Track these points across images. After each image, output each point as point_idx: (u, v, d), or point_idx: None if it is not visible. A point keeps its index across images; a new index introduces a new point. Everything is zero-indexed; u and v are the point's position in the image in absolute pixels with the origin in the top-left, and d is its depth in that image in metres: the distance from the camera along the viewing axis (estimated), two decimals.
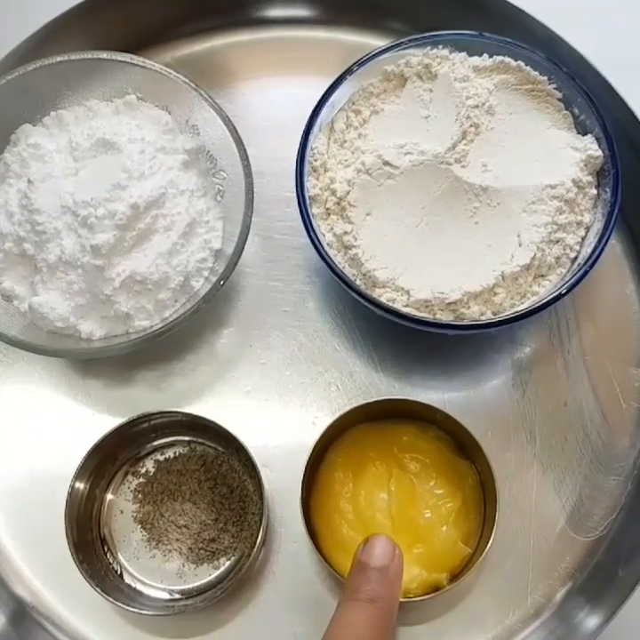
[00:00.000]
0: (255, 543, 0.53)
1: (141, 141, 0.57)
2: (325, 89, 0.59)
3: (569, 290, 0.52)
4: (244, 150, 0.56)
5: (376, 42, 0.68)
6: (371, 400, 0.56)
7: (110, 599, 0.51)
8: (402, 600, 0.52)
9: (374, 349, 0.62)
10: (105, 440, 0.55)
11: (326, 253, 0.54)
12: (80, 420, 0.61)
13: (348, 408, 0.55)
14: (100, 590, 0.51)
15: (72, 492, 0.54)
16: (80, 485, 0.55)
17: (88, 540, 0.55)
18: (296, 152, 0.58)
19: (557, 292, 0.52)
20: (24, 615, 0.57)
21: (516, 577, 0.57)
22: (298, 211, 0.57)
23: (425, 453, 0.56)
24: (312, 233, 0.54)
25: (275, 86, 0.70)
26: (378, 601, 0.36)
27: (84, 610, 0.56)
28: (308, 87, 0.69)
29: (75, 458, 0.55)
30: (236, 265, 0.55)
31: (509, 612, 0.56)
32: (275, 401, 0.61)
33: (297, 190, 0.55)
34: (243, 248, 0.55)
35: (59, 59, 0.56)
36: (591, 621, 0.54)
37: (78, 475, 0.54)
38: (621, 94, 0.60)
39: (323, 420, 0.60)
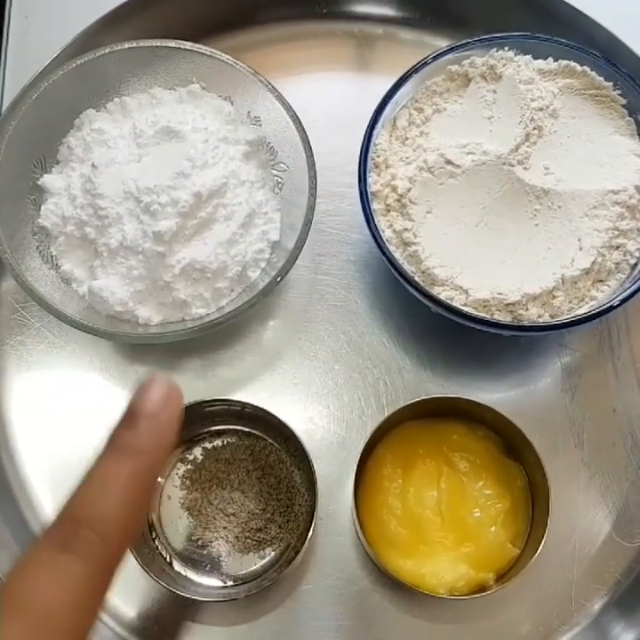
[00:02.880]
0: (304, 535, 0.53)
1: (205, 131, 0.57)
2: (381, 87, 0.58)
3: (630, 297, 0.52)
4: (308, 143, 0.56)
5: (436, 42, 0.68)
6: (425, 397, 0.56)
7: (163, 584, 0.51)
8: (449, 597, 0.52)
9: (423, 347, 0.62)
10: None
11: (387, 249, 0.54)
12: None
13: (400, 404, 0.55)
14: (153, 575, 0.51)
15: None
16: None
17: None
18: (350, 147, 0.58)
19: (618, 299, 0.52)
20: None
21: (559, 581, 0.57)
22: (351, 206, 0.58)
23: (474, 453, 0.56)
24: (373, 229, 0.55)
25: (330, 81, 0.70)
26: (141, 452, 0.30)
27: (129, 594, 0.57)
28: (360, 84, 0.70)
29: None
30: (296, 259, 0.55)
31: (552, 616, 0.56)
32: (322, 394, 0.61)
33: (360, 186, 0.56)
34: (304, 243, 0.55)
35: (127, 45, 0.57)
36: (628, 635, 0.55)
37: None
38: None
39: (370, 416, 0.60)
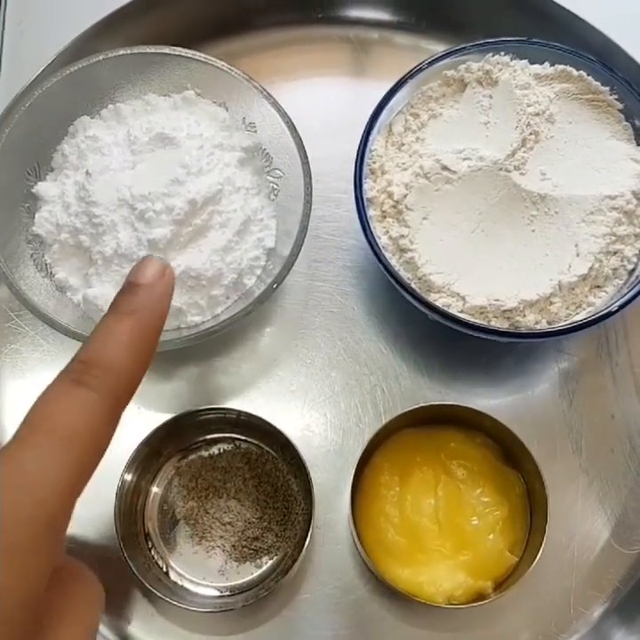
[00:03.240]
0: (301, 543, 0.53)
1: (200, 137, 0.57)
2: (378, 92, 0.58)
3: (627, 303, 0.52)
4: (304, 150, 0.56)
5: (432, 47, 0.68)
6: (422, 404, 0.55)
7: (159, 594, 0.51)
8: (447, 607, 0.52)
9: (420, 354, 0.62)
10: (153, 435, 0.55)
11: (383, 256, 0.54)
12: (124, 415, 0.60)
13: (398, 411, 0.55)
14: (149, 585, 0.51)
15: (121, 485, 0.54)
16: (128, 478, 0.55)
17: (134, 533, 0.55)
18: (346, 153, 0.58)
19: (616, 305, 0.52)
20: None
21: (558, 588, 0.56)
22: (347, 212, 0.57)
23: (472, 460, 0.56)
24: (369, 235, 0.54)
25: (325, 86, 0.70)
26: (138, 313, 0.33)
27: (126, 604, 0.56)
28: (357, 89, 0.70)
29: (118, 451, 0.54)
30: (292, 266, 0.55)
31: (551, 624, 0.56)
32: (319, 402, 0.61)
33: (355, 192, 0.55)
34: (299, 250, 0.55)
35: (121, 52, 0.56)
36: (631, 638, 0.54)
37: (128, 467, 0.54)
38: None
39: (367, 423, 0.60)
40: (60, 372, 0.32)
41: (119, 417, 0.32)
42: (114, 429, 0.32)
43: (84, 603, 0.32)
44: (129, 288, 0.35)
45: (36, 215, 0.57)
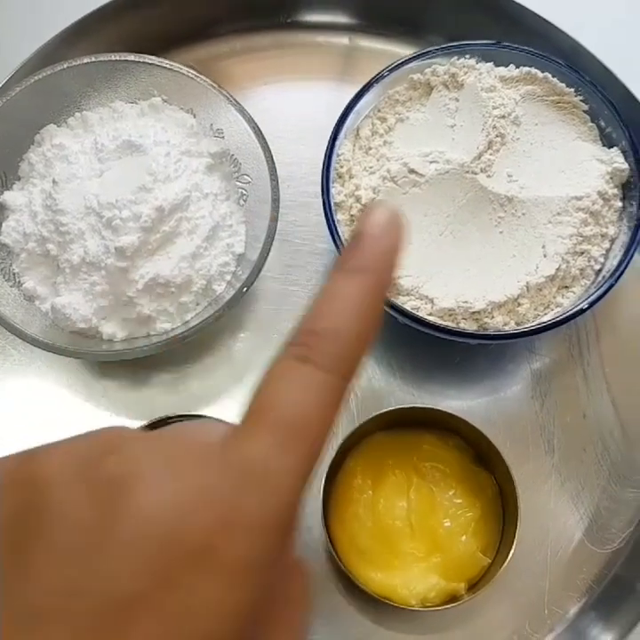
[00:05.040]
0: None
1: (167, 144, 0.57)
2: (348, 96, 0.58)
3: (594, 303, 0.52)
4: (270, 155, 0.56)
5: (399, 50, 0.68)
6: (394, 407, 0.55)
7: None
8: (420, 609, 0.52)
9: (392, 357, 0.62)
10: None
11: None
12: (97, 422, 0.60)
13: (371, 414, 0.55)
14: None
15: None
16: None
17: None
18: (316, 157, 0.58)
19: (582, 305, 0.52)
20: None
21: (532, 588, 0.56)
22: (318, 216, 0.57)
23: (445, 462, 0.56)
24: (337, 240, 0.54)
25: (295, 91, 0.69)
26: (366, 271, 0.30)
27: None
28: (328, 93, 0.70)
29: None
30: (260, 271, 0.55)
31: (526, 624, 0.56)
32: None
33: (323, 197, 0.55)
34: (267, 254, 0.55)
35: (86, 60, 0.56)
36: (606, 637, 0.54)
37: None
38: None
39: (340, 427, 0.60)
40: (284, 342, 0.29)
41: (347, 397, 0.29)
42: (338, 416, 0.28)
43: (299, 603, 0.28)
44: (357, 240, 0.31)
45: (3, 224, 0.57)
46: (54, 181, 0.55)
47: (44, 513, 0.22)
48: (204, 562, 0.22)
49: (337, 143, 0.56)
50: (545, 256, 0.54)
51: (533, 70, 0.58)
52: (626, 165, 0.55)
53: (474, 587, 0.53)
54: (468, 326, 0.54)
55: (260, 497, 0.24)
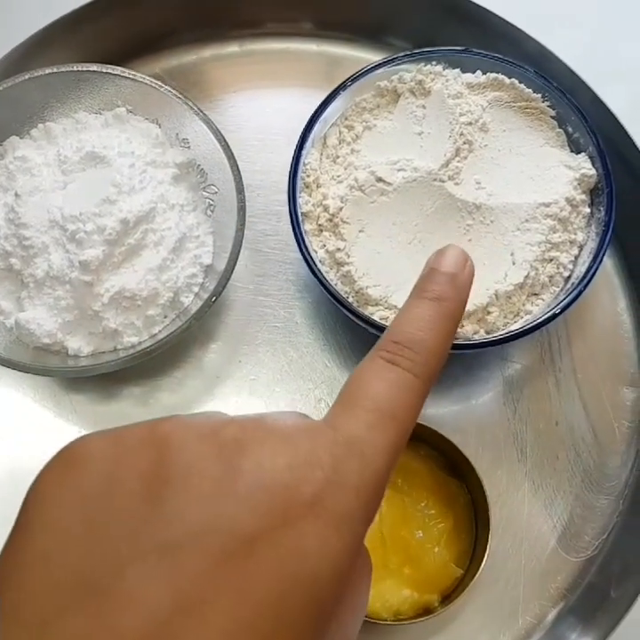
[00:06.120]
0: None
1: (131, 155, 0.56)
2: (318, 103, 0.58)
3: (563, 310, 0.52)
4: (236, 165, 0.56)
5: (367, 56, 0.67)
6: None
7: None
8: (393, 623, 0.52)
9: None
10: None
11: (319, 270, 0.54)
12: (67, 436, 0.59)
13: None
14: None
15: None
16: None
17: None
18: (286, 165, 0.57)
19: (552, 312, 0.52)
20: None
21: (506, 597, 0.56)
22: (289, 226, 0.57)
23: (416, 473, 0.55)
24: (304, 250, 0.54)
25: (264, 99, 0.69)
26: (444, 301, 0.34)
27: None
28: (298, 100, 0.69)
29: None
30: (227, 281, 0.54)
31: (500, 634, 0.56)
32: None
33: (289, 206, 0.55)
34: (234, 265, 0.54)
35: (48, 71, 0.55)
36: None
37: None
38: (613, 110, 0.60)
39: None
40: (370, 351, 0.32)
41: (426, 397, 0.32)
42: (415, 421, 0.31)
43: (365, 585, 0.30)
44: (431, 274, 0.36)
45: None
46: (17, 194, 0.54)
47: (177, 466, 0.25)
48: (314, 511, 0.25)
49: (303, 152, 0.56)
50: (514, 263, 0.54)
51: (500, 76, 0.57)
52: (593, 171, 0.55)
53: (447, 598, 0.53)
54: None
55: (360, 465, 0.27)
